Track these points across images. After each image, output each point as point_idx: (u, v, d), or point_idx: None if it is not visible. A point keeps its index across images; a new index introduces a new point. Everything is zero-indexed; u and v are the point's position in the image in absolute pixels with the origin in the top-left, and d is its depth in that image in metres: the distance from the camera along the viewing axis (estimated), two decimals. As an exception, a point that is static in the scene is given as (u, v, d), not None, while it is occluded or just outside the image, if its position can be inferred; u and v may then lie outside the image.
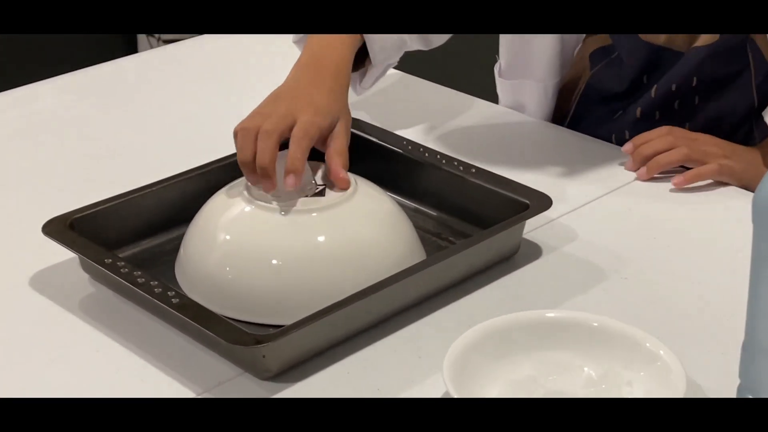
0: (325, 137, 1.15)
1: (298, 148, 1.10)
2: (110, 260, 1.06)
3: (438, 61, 1.58)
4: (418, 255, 1.13)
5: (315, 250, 1.07)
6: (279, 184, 1.10)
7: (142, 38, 3.16)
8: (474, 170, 1.21)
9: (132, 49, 3.13)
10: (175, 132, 1.45)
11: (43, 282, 1.13)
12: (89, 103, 1.55)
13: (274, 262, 1.06)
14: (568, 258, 1.17)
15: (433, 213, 1.24)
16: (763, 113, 1.39)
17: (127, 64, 1.70)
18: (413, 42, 1.39)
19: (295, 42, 1.35)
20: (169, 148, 1.41)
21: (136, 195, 1.17)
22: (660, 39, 1.36)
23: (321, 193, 1.11)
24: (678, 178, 1.28)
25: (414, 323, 1.06)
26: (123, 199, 1.16)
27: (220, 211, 1.11)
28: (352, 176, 1.14)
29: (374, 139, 1.28)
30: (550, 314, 1.01)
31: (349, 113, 1.20)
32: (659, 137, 1.31)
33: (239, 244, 1.08)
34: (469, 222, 1.21)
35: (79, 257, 1.11)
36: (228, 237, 1.09)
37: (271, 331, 0.99)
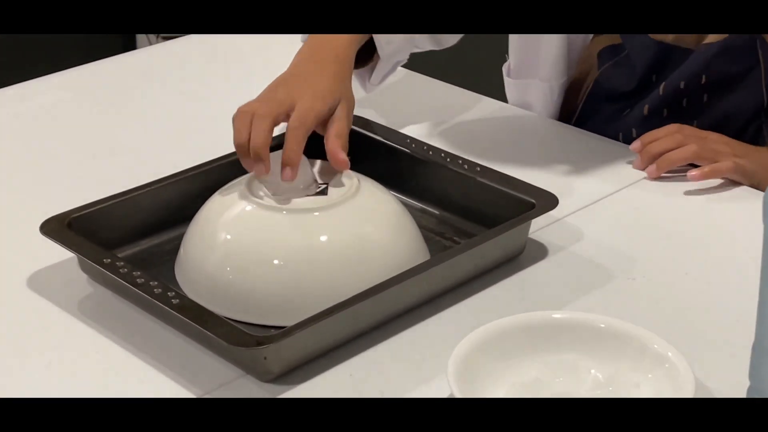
0: (325, 121, 1.15)
1: (293, 140, 1.11)
2: (109, 260, 1.06)
3: (445, 61, 1.58)
4: (422, 255, 1.13)
5: (317, 250, 1.07)
6: (280, 184, 1.10)
7: (140, 35, 3.16)
8: (479, 169, 1.21)
9: (131, 45, 3.13)
10: (175, 129, 1.46)
11: (40, 282, 1.13)
12: (87, 100, 1.55)
13: (276, 262, 1.06)
14: (574, 258, 1.17)
15: (438, 212, 1.24)
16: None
17: (126, 61, 1.70)
18: (423, 41, 1.39)
19: (303, 40, 1.36)
20: (169, 146, 1.41)
21: (135, 193, 1.17)
22: (669, 37, 1.36)
23: (323, 192, 1.11)
24: (694, 172, 1.27)
25: (418, 324, 1.06)
26: (122, 198, 1.16)
27: (220, 210, 1.11)
28: (355, 175, 1.14)
29: (378, 137, 1.28)
30: (557, 315, 1.01)
31: (352, 97, 1.20)
32: (668, 135, 1.31)
33: (240, 243, 1.08)
34: (474, 221, 1.21)
35: (78, 257, 1.11)
36: (229, 236, 1.09)
37: (273, 332, 0.99)
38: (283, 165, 1.09)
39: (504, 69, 1.53)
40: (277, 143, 1.12)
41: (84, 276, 1.13)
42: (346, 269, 1.06)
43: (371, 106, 1.46)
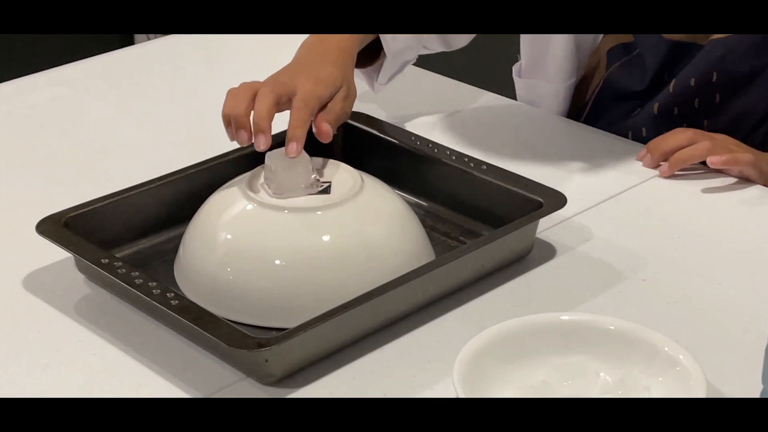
0: (325, 106, 1.17)
1: (298, 116, 1.13)
2: (107, 260, 1.06)
3: (452, 57, 1.58)
4: (427, 255, 1.13)
5: (320, 250, 1.07)
6: (282, 183, 1.10)
7: (138, 30, 3.16)
8: (485, 167, 1.21)
9: (128, 40, 3.13)
10: (175, 127, 1.46)
11: (36, 283, 1.13)
12: (84, 96, 1.56)
13: (277, 262, 1.06)
14: (583, 258, 1.17)
15: (443, 211, 1.24)
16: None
17: (123, 56, 1.70)
18: (433, 42, 1.40)
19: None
20: (168, 144, 1.41)
21: (133, 192, 1.17)
22: (682, 35, 1.36)
23: (326, 191, 1.12)
24: (714, 158, 1.27)
25: (423, 326, 1.07)
26: (120, 197, 1.17)
27: (221, 210, 1.11)
28: (358, 173, 1.14)
29: (381, 135, 1.28)
30: (565, 317, 1.01)
31: (354, 86, 1.22)
32: (678, 134, 1.31)
33: (241, 243, 1.08)
34: (481, 221, 1.21)
35: (75, 257, 1.11)
36: (229, 236, 1.09)
37: (274, 334, 0.99)
38: (288, 141, 1.10)
39: (514, 69, 1.54)
40: (276, 143, 1.13)
41: (81, 276, 1.13)
42: (349, 270, 1.06)
43: (375, 102, 1.46)
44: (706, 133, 1.32)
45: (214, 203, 1.13)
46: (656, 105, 1.39)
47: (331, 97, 1.18)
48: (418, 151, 1.25)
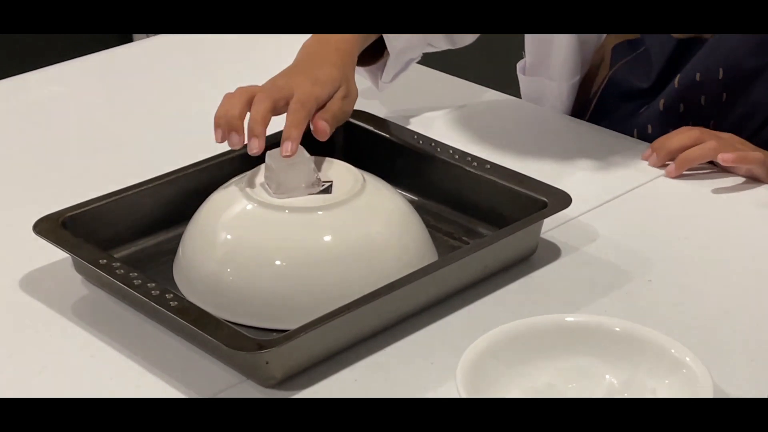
0: (324, 106, 1.18)
1: (294, 117, 1.13)
2: (105, 261, 1.06)
3: (455, 55, 1.58)
4: (429, 255, 1.13)
5: (321, 251, 1.07)
6: (283, 182, 1.10)
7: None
8: (489, 166, 1.21)
9: (127, 37, 3.13)
10: (174, 126, 1.46)
11: (34, 283, 1.13)
12: (82, 95, 1.56)
13: (278, 262, 1.06)
14: (588, 259, 1.17)
15: (446, 211, 1.24)
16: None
17: (122, 54, 1.71)
18: (438, 40, 1.40)
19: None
20: (167, 143, 1.41)
21: (132, 192, 1.17)
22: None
23: (327, 191, 1.12)
24: (726, 155, 1.27)
25: (426, 327, 1.07)
26: (119, 196, 1.17)
27: (221, 209, 1.11)
28: (360, 172, 1.14)
29: (383, 133, 1.28)
30: (570, 318, 1.01)
31: (354, 86, 1.23)
32: (683, 132, 1.32)
33: (241, 243, 1.08)
34: (484, 221, 1.21)
35: (72, 257, 1.11)
36: (229, 236, 1.09)
37: (275, 335, 0.99)
38: (283, 140, 1.11)
39: (519, 66, 1.54)
40: (273, 143, 1.13)
41: (79, 277, 1.13)
42: (350, 270, 1.06)
43: (378, 100, 1.46)
44: (712, 131, 1.32)
45: (214, 203, 1.13)
46: (662, 101, 1.39)
47: (330, 97, 1.18)
48: (420, 150, 1.25)
